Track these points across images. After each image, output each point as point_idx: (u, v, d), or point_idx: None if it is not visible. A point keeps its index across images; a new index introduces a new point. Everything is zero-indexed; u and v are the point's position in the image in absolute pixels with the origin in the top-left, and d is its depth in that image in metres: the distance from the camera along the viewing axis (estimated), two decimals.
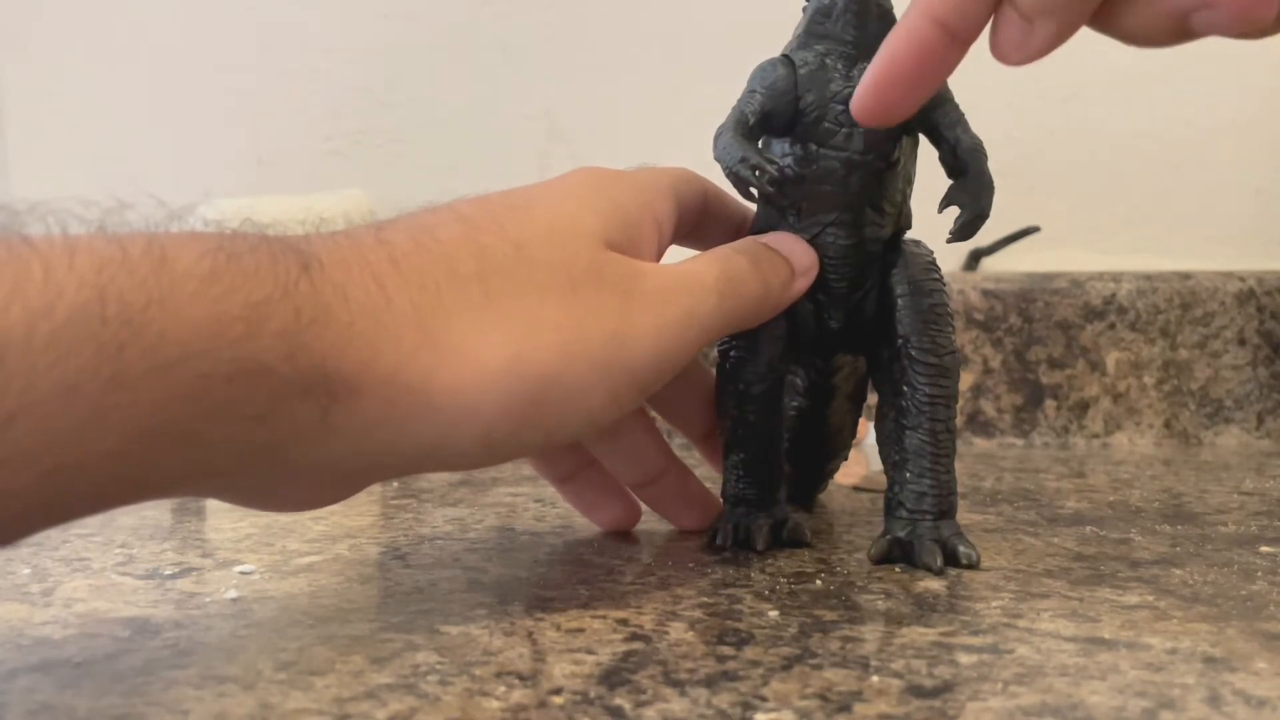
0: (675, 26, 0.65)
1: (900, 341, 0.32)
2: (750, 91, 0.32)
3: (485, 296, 0.26)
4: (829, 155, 0.32)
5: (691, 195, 0.33)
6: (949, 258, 0.64)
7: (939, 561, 0.31)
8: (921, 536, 0.32)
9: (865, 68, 0.31)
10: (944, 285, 0.33)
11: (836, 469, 0.41)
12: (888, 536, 0.32)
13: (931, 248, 0.34)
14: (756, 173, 0.31)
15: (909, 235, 0.35)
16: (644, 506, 0.37)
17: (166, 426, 0.21)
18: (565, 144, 0.66)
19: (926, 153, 0.34)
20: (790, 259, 0.32)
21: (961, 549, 0.32)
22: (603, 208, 0.29)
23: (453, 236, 0.27)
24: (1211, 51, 0.67)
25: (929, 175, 0.34)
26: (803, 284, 0.32)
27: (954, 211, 0.32)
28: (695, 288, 0.29)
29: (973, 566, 0.31)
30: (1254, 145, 0.65)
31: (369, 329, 0.24)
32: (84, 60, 0.68)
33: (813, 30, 0.32)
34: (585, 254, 0.28)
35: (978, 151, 0.32)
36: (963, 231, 0.32)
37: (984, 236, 0.64)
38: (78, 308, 0.20)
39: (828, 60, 0.32)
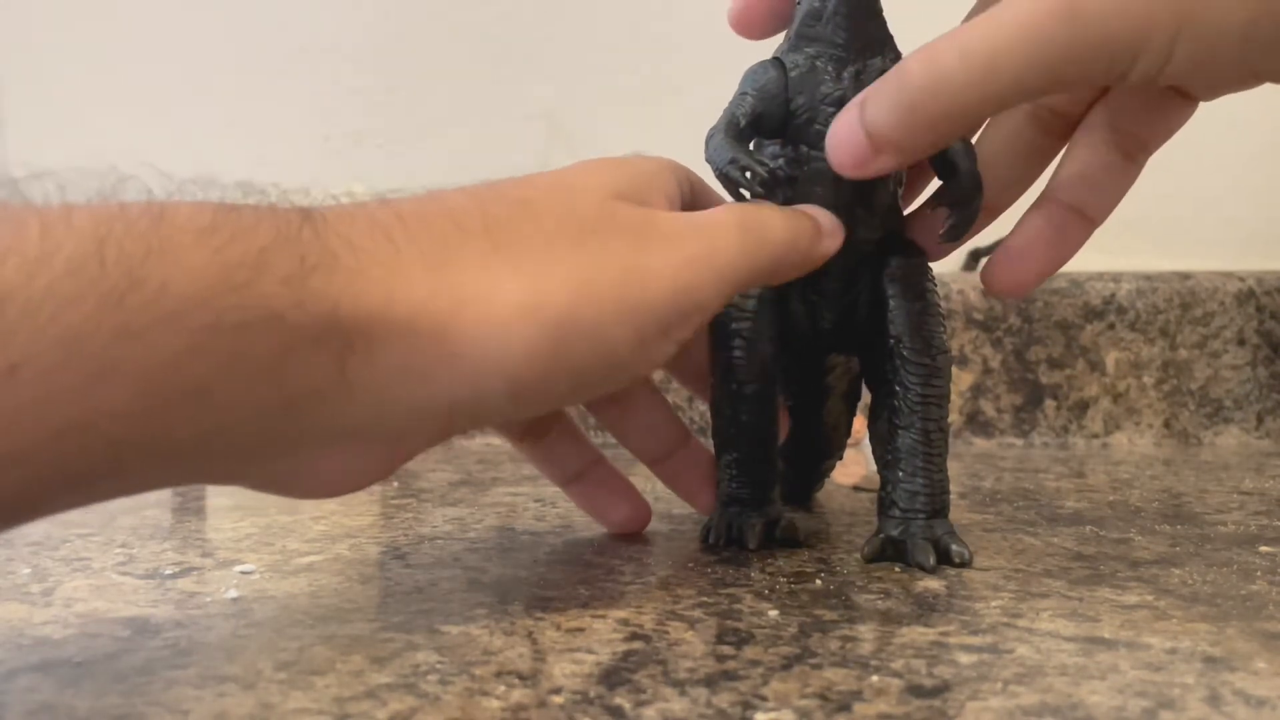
0: (675, 27, 0.65)
1: (892, 342, 0.32)
2: (741, 94, 0.32)
3: (494, 246, 0.26)
4: (820, 157, 0.32)
5: (683, 182, 0.33)
6: (949, 258, 0.64)
7: (931, 560, 0.31)
8: (914, 535, 0.32)
9: (855, 70, 0.32)
10: (935, 286, 0.33)
11: (832, 468, 0.41)
12: (881, 535, 0.32)
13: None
14: (747, 174, 0.31)
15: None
16: (654, 508, 0.37)
17: (177, 381, 0.21)
18: (565, 144, 0.66)
19: None
20: (816, 219, 0.32)
21: (954, 547, 0.32)
22: (613, 171, 0.29)
23: (458, 201, 0.27)
24: None
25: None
26: (830, 244, 0.31)
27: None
28: (714, 227, 0.29)
29: (964, 565, 0.31)
30: (1254, 145, 0.65)
31: (380, 275, 0.24)
32: (83, 60, 0.68)
33: (803, 33, 0.32)
34: (594, 204, 0.28)
35: (967, 153, 0.32)
36: (953, 232, 0.32)
37: (984, 236, 0.64)
38: (77, 258, 0.20)
39: (818, 63, 0.32)
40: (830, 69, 0.32)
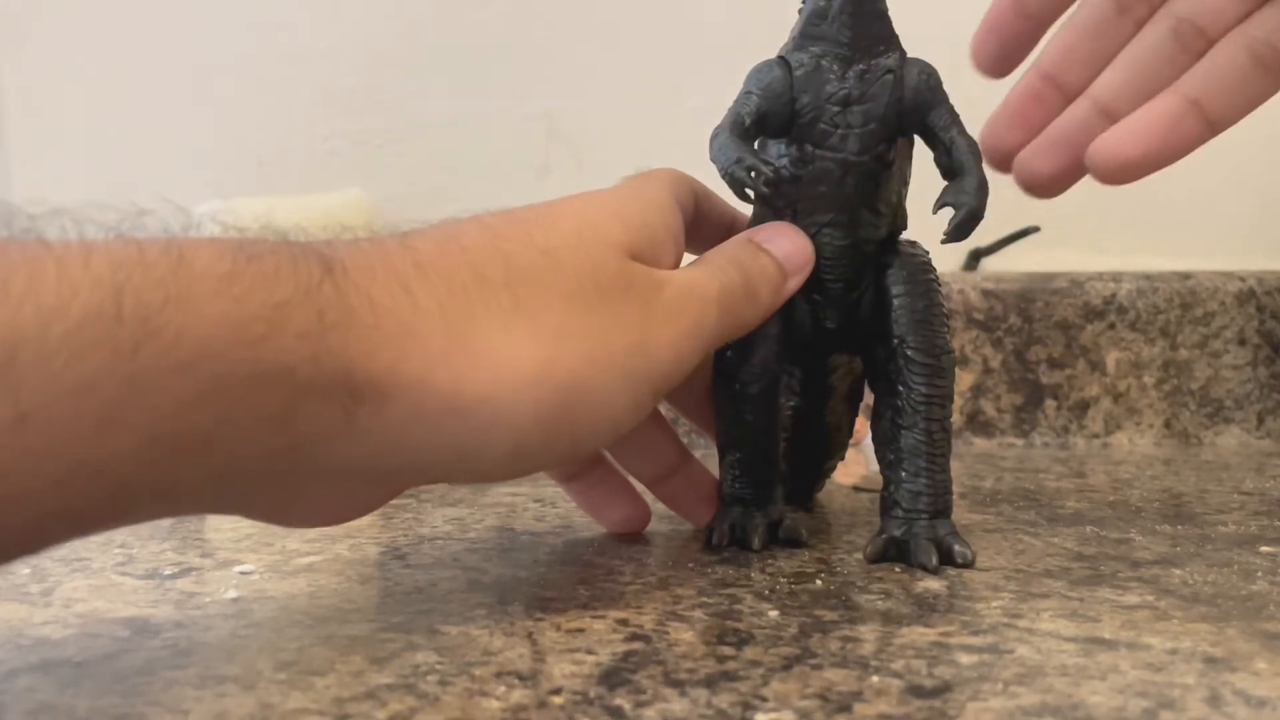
0: (675, 27, 0.65)
1: (896, 341, 0.32)
2: (746, 93, 0.32)
3: (514, 303, 0.26)
4: (824, 156, 0.32)
5: (686, 199, 0.33)
6: (948, 258, 0.64)
7: (934, 560, 0.31)
8: (917, 535, 0.32)
9: (860, 70, 0.32)
10: (939, 286, 0.33)
11: (834, 468, 0.41)
12: (883, 536, 0.32)
13: (929, 248, 0.34)
14: (752, 174, 0.31)
15: (905, 236, 0.35)
16: (653, 507, 0.37)
17: (185, 429, 0.21)
18: (565, 144, 0.66)
19: (923, 154, 0.34)
20: (783, 260, 0.32)
21: (957, 548, 0.32)
22: (628, 219, 0.29)
23: (479, 244, 0.27)
24: None
25: (927, 176, 0.34)
26: (794, 284, 0.32)
27: (950, 212, 0.32)
28: (702, 299, 0.30)
29: (967, 565, 0.31)
30: (1255, 146, 0.65)
31: (395, 333, 0.24)
32: (84, 60, 0.68)
33: (808, 32, 0.32)
34: (613, 263, 0.28)
35: (973, 152, 0.32)
36: (958, 231, 0.32)
37: (984, 236, 0.64)
38: (93, 307, 0.20)
39: (823, 62, 0.32)
40: (835, 68, 0.32)
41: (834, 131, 0.32)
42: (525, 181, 0.66)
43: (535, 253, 0.27)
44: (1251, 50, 0.33)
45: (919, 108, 0.32)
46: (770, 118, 0.32)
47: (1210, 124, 0.33)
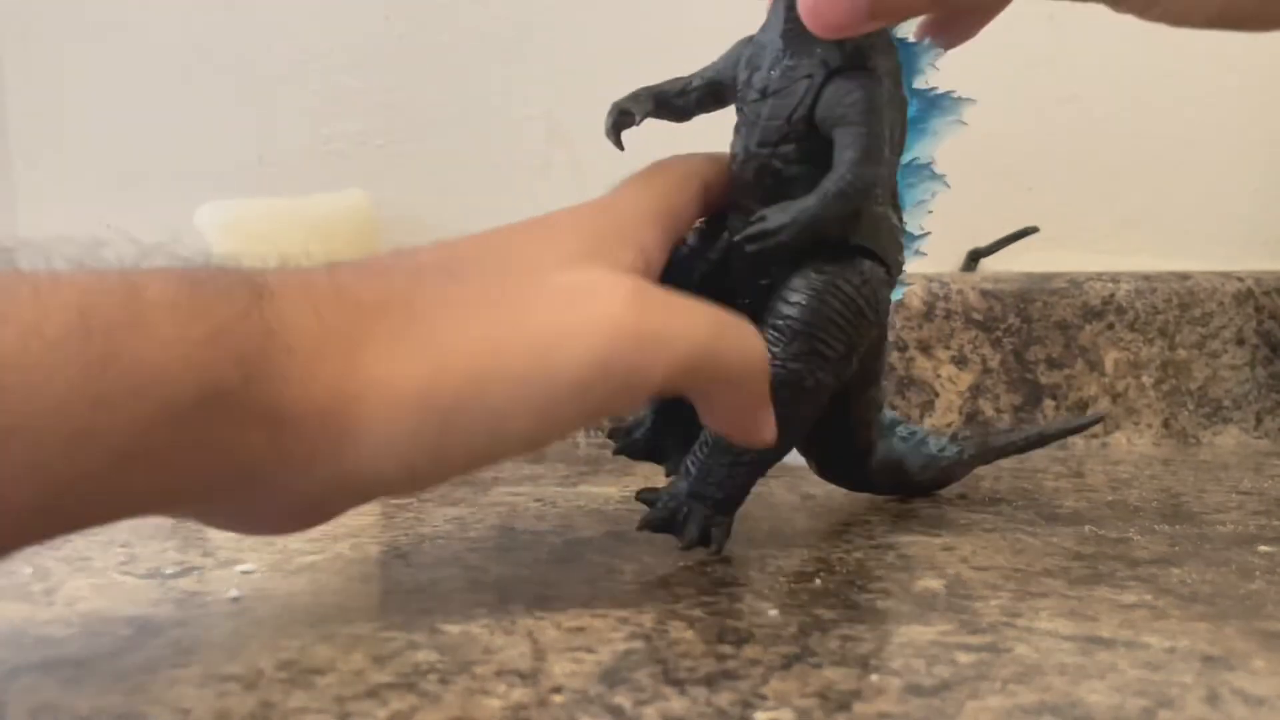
0: (676, 27, 0.65)
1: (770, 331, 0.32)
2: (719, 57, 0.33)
3: (408, 321, 0.25)
4: (737, 141, 0.32)
5: (687, 203, 0.32)
6: (948, 258, 0.64)
7: (692, 539, 0.32)
8: (689, 514, 0.32)
9: (787, 66, 0.31)
10: (825, 310, 0.32)
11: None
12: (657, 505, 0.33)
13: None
14: (615, 116, 0.32)
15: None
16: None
17: (143, 448, 0.22)
18: (565, 145, 0.66)
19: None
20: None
21: (715, 532, 0.32)
22: (575, 228, 0.29)
23: (399, 264, 0.27)
24: (1210, 52, 0.67)
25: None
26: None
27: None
28: (690, 310, 0.28)
29: (718, 554, 0.32)
30: (1252, 146, 0.65)
31: (307, 359, 0.24)
32: (86, 60, 0.68)
33: (771, 17, 0.32)
34: (527, 275, 0.27)
35: (839, 186, 0.30)
36: (746, 238, 0.31)
37: (983, 237, 0.64)
38: (64, 327, 0.21)
39: (765, 50, 0.32)
40: (769, 58, 0.32)
41: (746, 119, 0.32)
42: (525, 181, 0.67)
43: (444, 273, 0.27)
44: None
45: (826, 121, 0.31)
46: (721, 89, 0.33)
47: None
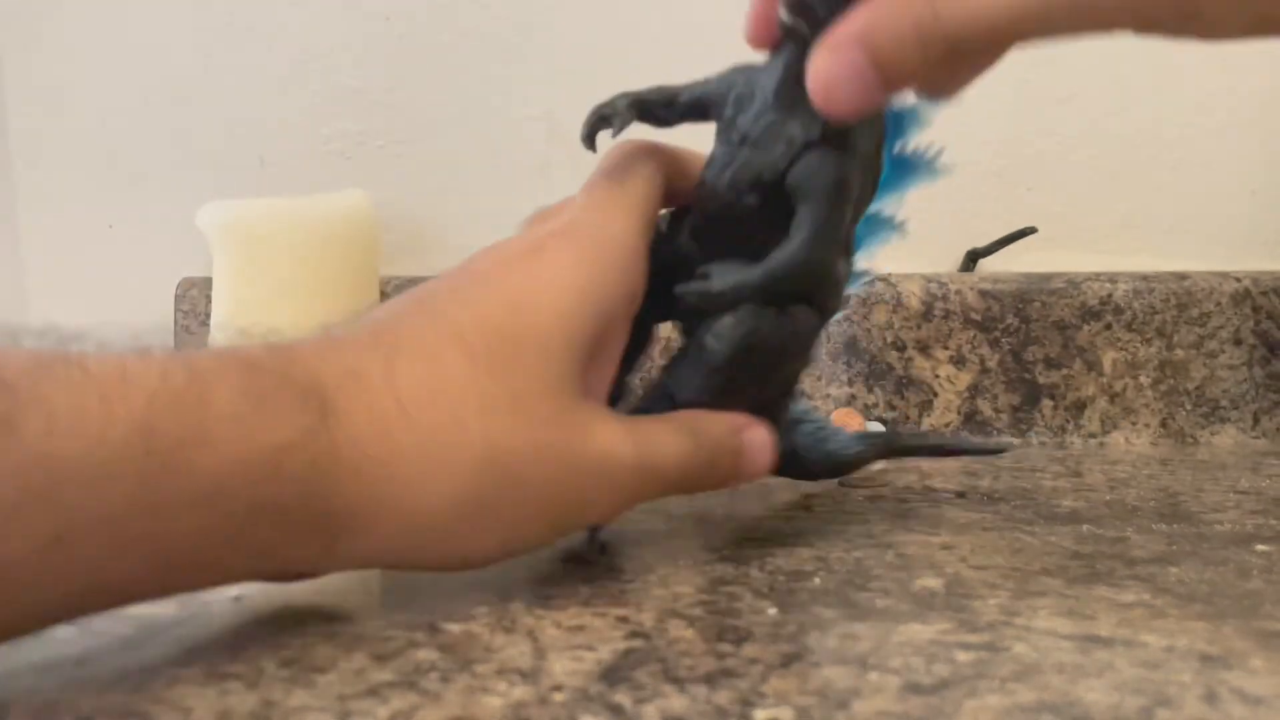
0: (676, 28, 0.65)
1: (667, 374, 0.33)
2: (712, 77, 0.32)
3: (488, 446, 0.27)
4: (716, 153, 0.32)
5: (655, 201, 0.33)
6: (947, 258, 0.64)
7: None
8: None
9: (770, 121, 0.30)
10: (750, 356, 0.31)
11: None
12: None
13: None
14: (594, 122, 0.32)
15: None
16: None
17: (189, 557, 0.23)
18: (565, 145, 0.66)
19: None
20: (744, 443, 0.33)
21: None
22: (587, 324, 0.29)
23: (460, 375, 0.27)
24: (1208, 53, 0.67)
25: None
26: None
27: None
28: (642, 468, 0.30)
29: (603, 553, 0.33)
30: (1250, 146, 0.65)
31: (376, 476, 0.25)
32: (87, 61, 0.68)
33: (775, 63, 0.31)
34: (568, 407, 0.28)
35: (789, 262, 0.30)
36: (688, 291, 0.31)
37: (981, 237, 0.65)
38: (125, 439, 0.21)
39: (756, 93, 0.31)
40: (757, 105, 0.31)
41: (724, 151, 0.32)
42: (525, 181, 0.67)
43: (505, 394, 0.27)
44: None
45: (795, 191, 0.31)
46: (708, 109, 0.32)
47: None
